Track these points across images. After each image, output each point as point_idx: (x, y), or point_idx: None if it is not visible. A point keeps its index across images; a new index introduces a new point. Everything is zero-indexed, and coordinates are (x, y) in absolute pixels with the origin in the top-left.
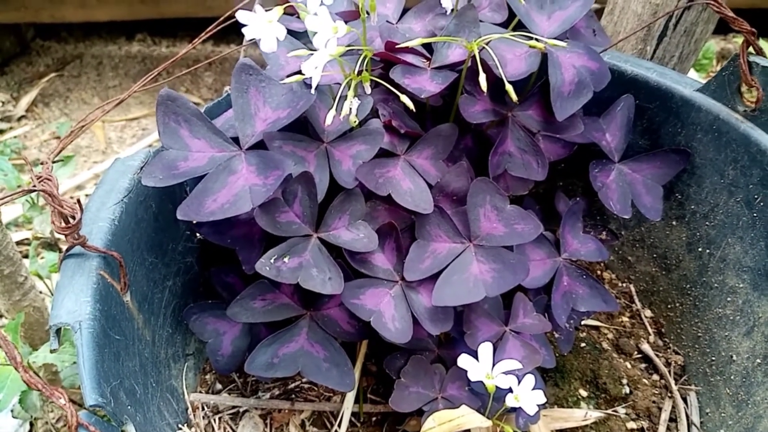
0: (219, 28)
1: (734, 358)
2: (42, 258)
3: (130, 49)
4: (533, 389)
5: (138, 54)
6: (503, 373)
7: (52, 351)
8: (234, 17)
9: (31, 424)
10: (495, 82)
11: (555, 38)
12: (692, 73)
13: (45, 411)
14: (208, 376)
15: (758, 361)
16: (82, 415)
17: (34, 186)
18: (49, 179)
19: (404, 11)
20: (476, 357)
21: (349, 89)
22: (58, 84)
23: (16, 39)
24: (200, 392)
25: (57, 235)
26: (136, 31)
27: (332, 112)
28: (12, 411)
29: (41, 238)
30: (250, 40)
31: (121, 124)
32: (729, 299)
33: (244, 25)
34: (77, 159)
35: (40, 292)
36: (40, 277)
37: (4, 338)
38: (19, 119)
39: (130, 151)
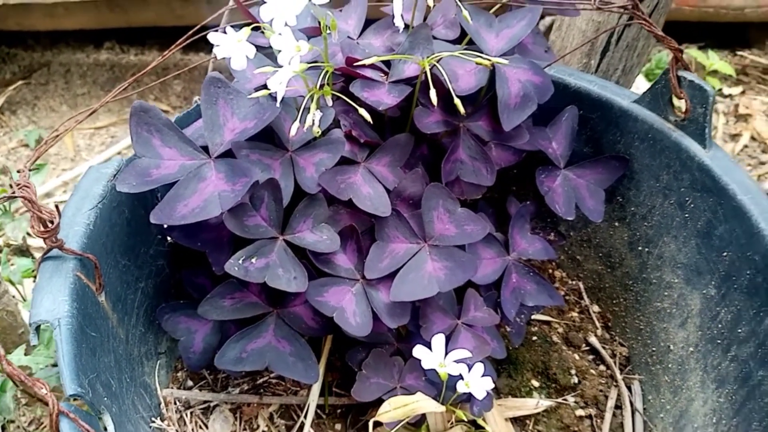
0: (195, 35)
1: (671, 347)
2: (13, 264)
3: (98, 57)
4: (482, 376)
5: (106, 62)
6: (454, 361)
7: (34, 348)
8: (204, 28)
9: (3, 427)
10: (447, 95)
11: (503, 54)
12: (644, 83)
13: (17, 414)
14: (179, 374)
15: (691, 349)
16: (63, 404)
17: (14, 193)
18: (27, 186)
19: (365, 27)
20: (430, 348)
21: (312, 102)
22: (25, 92)
23: None
24: (172, 388)
25: (29, 242)
26: (105, 39)
27: (296, 123)
28: None
29: (13, 244)
30: (221, 57)
31: (89, 132)
32: (666, 293)
33: (214, 45)
34: (45, 167)
35: (13, 297)
36: (12, 283)
37: None
38: None
39: (99, 159)
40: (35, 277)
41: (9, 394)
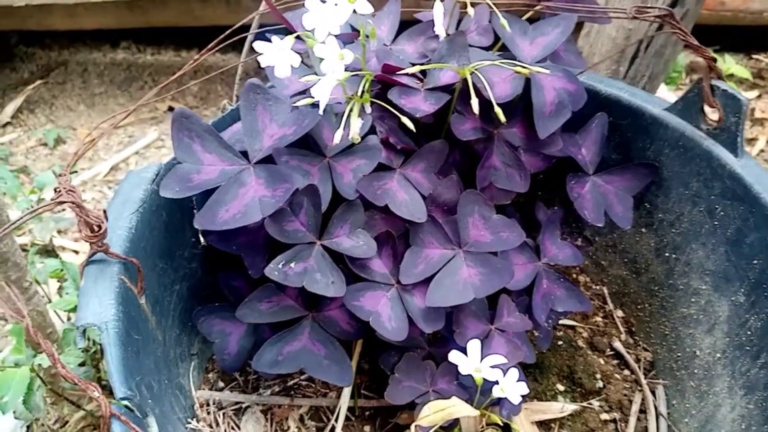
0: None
1: (697, 353)
2: (40, 264)
3: (115, 57)
4: (517, 381)
5: (123, 61)
6: (490, 367)
7: (78, 349)
8: (237, 32)
9: (28, 426)
10: (484, 102)
11: (537, 62)
12: (662, 86)
13: (45, 413)
14: (210, 375)
15: (718, 355)
16: (114, 407)
17: (60, 196)
18: (73, 191)
19: (397, 33)
20: (465, 353)
21: (352, 111)
22: (43, 91)
23: (0, 45)
24: (204, 389)
25: (55, 242)
26: (121, 38)
27: (340, 132)
28: (14, 412)
29: (38, 244)
30: (265, 65)
31: (107, 132)
32: (693, 300)
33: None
34: (64, 166)
35: (42, 297)
36: (39, 283)
37: (44, 340)
38: (4, 126)
39: (118, 158)
40: (61, 278)
41: (38, 393)
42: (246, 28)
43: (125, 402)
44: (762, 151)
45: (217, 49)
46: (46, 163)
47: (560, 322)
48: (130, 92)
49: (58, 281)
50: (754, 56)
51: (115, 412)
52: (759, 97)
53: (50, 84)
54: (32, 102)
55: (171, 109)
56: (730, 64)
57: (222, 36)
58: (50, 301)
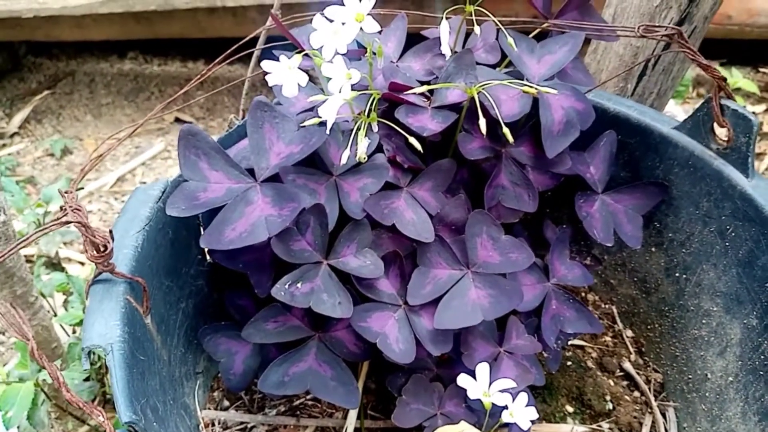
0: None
1: (709, 376)
2: (46, 277)
3: (122, 67)
4: (526, 406)
5: (130, 72)
6: (499, 391)
7: (84, 370)
8: (244, 46)
9: None
10: (491, 121)
11: (545, 80)
12: (670, 101)
13: (47, 428)
14: (216, 394)
15: (730, 379)
16: (118, 431)
17: (65, 215)
18: (78, 209)
19: (404, 50)
20: (474, 376)
21: (359, 130)
22: (50, 101)
23: (9, 55)
24: (209, 409)
25: (61, 255)
26: (128, 49)
27: (347, 152)
28: (18, 427)
29: (43, 257)
30: (273, 85)
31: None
32: (704, 321)
33: (266, 72)
34: (71, 177)
35: (48, 311)
36: (44, 296)
37: (49, 363)
38: (12, 136)
39: (124, 169)
40: (66, 291)
41: (43, 408)
42: (253, 41)
43: (131, 426)
44: None
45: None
46: (53, 173)
47: (569, 342)
48: (136, 103)
49: (64, 294)
50: (762, 70)
51: None
52: (766, 111)
53: (57, 94)
54: (39, 112)
55: (178, 120)
56: (737, 77)
57: (229, 51)
58: (56, 315)
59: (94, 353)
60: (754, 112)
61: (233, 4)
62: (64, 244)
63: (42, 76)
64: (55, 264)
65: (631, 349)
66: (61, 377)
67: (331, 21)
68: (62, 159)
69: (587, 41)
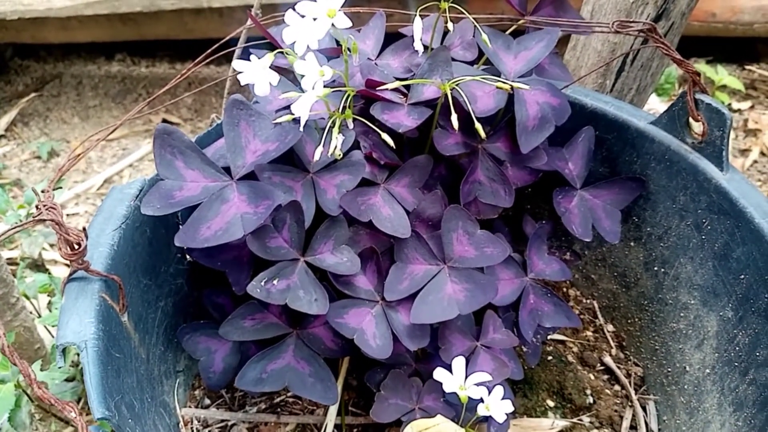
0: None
1: (687, 369)
2: (29, 278)
3: (109, 69)
4: (502, 399)
5: (118, 74)
6: (475, 384)
7: (59, 368)
8: (224, 46)
9: None
10: (466, 116)
11: (521, 76)
12: (655, 98)
13: (32, 429)
14: (197, 392)
15: (707, 371)
16: (91, 428)
17: (40, 214)
18: (54, 207)
19: (383, 46)
20: (450, 370)
21: (334, 126)
22: (37, 103)
23: None
24: (190, 407)
25: (44, 257)
26: (116, 51)
27: (320, 148)
28: (0, 429)
29: (28, 258)
30: (245, 83)
31: (101, 144)
32: (682, 314)
33: (238, 71)
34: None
35: (30, 313)
36: (28, 298)
37: (20, 360)
38: None
39: (111, 171)
40: (50, 293)
41: (24, 409)
42: (235, 41)
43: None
44: (756, 162)
45: (209, 60)
46: (40, 176)
47: (550, 337)
48: (124, 104)
49: (48, 296)
50: (747, 67)
51: None
52: (752, 107)
53: (44, 97)
54: (26, 115)
55: (165, 121)
56: (722, 75)
57: (209, 50)
58: (40, 316)
59: (69, 351)
60: (739, 109)
61: (219, 5)
62: (51, 245)
63: (29, 78)
64: (39, 266)
65: (612, 344)
66: (33, 374)
67: (303, 17)
68: (49, 161)
69: (567, 38)
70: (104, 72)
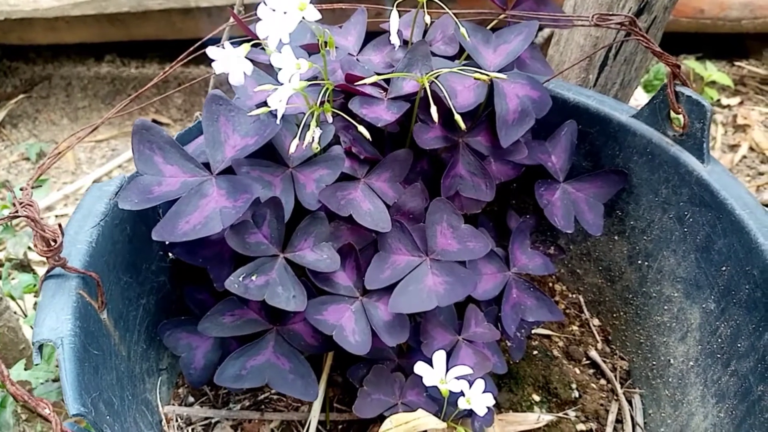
0: (196, 52)
1: (672, 361)
2: (14, 279)
3: (99, 70)
4: (483, 392)
5: (107, 75)
6: (455, 378)
7: (35, 365)
8: (206, 44)
9: None
10: (447, 111)
11: (501, 70)
12: (643, 94)
13: (17, 430)
14: (180, 390)
15: (691, 363)
16: (66, 424)
17: (17, 211)
18: (30, 205)
19: (365, 42)
20: (432, 364)
21: (312, 119)
22: (26, 105)
23: None
24: (174, 405)
25: (30, 256)
26: (105, 52)
27: (296, 141)
28: None
29: (13, 259)
30: (219, 72)
31: (90, 145)
32: (666, 308)
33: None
34: (45, 180)
35: (15, 313)
36: (13, 298)
37: None
38: None
39: (100, 172)
40: (37, 293)
41: (9, 409)
42: (218, 39)
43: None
44: (744, 157)
45: (200, 61)
46: (28, 177)
47: (535, 331)
48: (114, 105)
49: (34, 296)
50: (736, 63)
51: (66, 430)
52: (741, 103)
53: (33, 98)
54: (15, 116)
55: (155, 122)
56: (711, 71)
57: (191, 48)
58: (26, 316)
59: (46, 347)
60: (729, 105)
61: (207, 5)
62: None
63: (18, 80)
64: (24, 266)
65: (598, 338)
66: (6, 371)
67: (274, 10)
68: (37, 163)
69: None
70: (93, 73)
